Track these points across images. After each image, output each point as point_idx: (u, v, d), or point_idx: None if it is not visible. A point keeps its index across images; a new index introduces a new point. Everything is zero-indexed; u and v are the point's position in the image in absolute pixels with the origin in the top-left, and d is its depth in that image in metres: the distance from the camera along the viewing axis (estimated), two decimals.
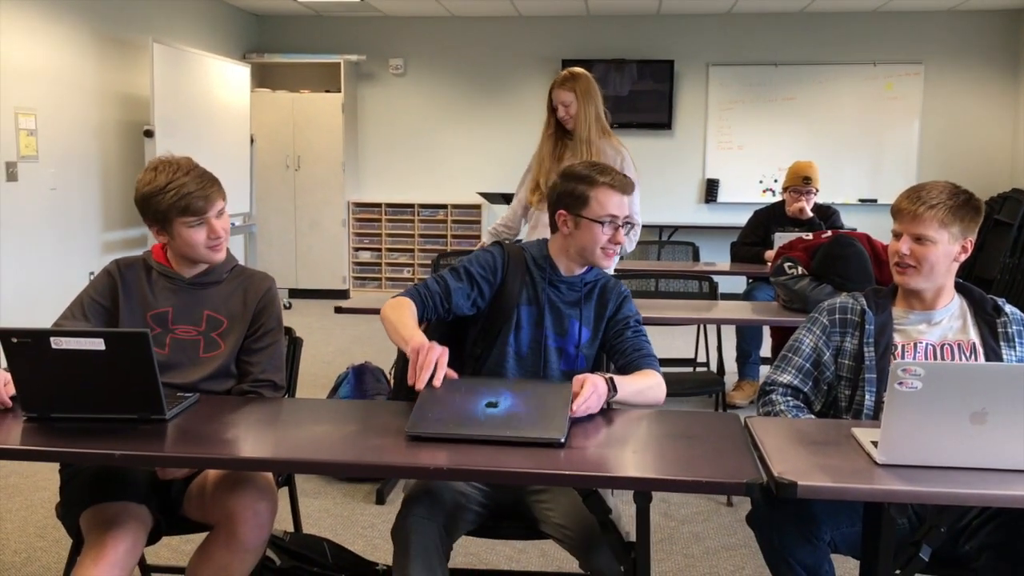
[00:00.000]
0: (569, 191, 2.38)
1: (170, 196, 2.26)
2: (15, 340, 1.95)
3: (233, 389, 2.39)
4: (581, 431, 2.00)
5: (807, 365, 2.36)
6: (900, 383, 1.72)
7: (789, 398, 2.34)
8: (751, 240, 5.54)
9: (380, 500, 3.71)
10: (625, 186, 2.38)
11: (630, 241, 3.79)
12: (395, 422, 2.03)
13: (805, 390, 2.35)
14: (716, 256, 6.58)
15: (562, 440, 1.85)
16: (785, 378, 2.36)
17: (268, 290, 2.46)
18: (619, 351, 2.40)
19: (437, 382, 2.00)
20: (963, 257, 2.28)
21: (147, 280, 2.40)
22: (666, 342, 6.98)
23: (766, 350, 5.11)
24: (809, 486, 1.67)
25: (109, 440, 1.89)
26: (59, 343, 1.95)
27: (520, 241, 2.60)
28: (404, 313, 2.23)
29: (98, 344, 1.95)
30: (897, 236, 2.30)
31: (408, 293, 2.33)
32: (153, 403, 2.02)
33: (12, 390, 2.08)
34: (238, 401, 2.30)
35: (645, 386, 2.26)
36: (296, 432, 2.10)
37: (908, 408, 1.74)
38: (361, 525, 3.49)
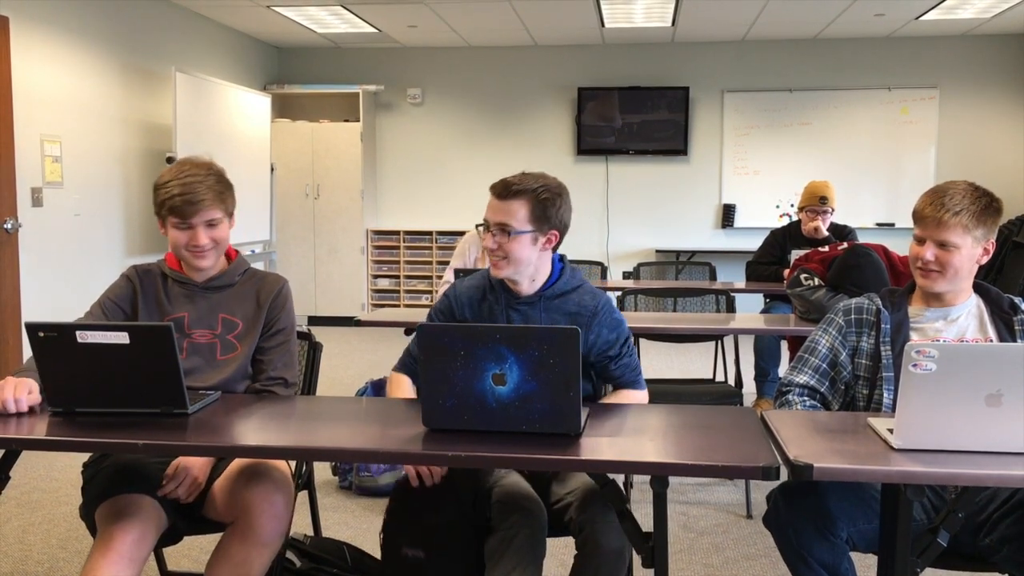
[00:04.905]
0: None
1: (163, 193, 2.35)
2: (42, 334, 2.00)
3: (247, 388, 2.42)
4: (597, 421, 2.02)
5: (823, 365, 2.35)
6: (914, 365, 1.72)
7: (805, 398, 2.33)
8: (767, 259, 5.53)
9: None
10: (498, 190, 2.33)
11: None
12: (412, 415, 2.06)
13: (822, 390, 2.34)
14: (733, 280, 6.58)
15: (579, 431, 1.87)
16: (802, 378, 2.36)
17: (281, 290, 2.49)
18: (608, 380, 2.48)
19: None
20: (985, 259, 2.28)
21: (163, 286, 2.45)
22: (683, 364, 6.98)
23: (784, 369, 5.09)
24: (825, 468, 1.67)
25: (133, 432, 1.92)
26: (84, 337, 1.99)
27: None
28: (403, 392, 2.42)
29: (122, 338, 2.00)
30: (919, 241, 2.30)
31: (401, 367, 2.48)
32: (176, 397, 2.05)
33: (38, 398, 2.11)
34: (258, 398, 2.33)
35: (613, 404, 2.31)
36: (316, 424, 2.13)
37: (923, 391, 1.74)
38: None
